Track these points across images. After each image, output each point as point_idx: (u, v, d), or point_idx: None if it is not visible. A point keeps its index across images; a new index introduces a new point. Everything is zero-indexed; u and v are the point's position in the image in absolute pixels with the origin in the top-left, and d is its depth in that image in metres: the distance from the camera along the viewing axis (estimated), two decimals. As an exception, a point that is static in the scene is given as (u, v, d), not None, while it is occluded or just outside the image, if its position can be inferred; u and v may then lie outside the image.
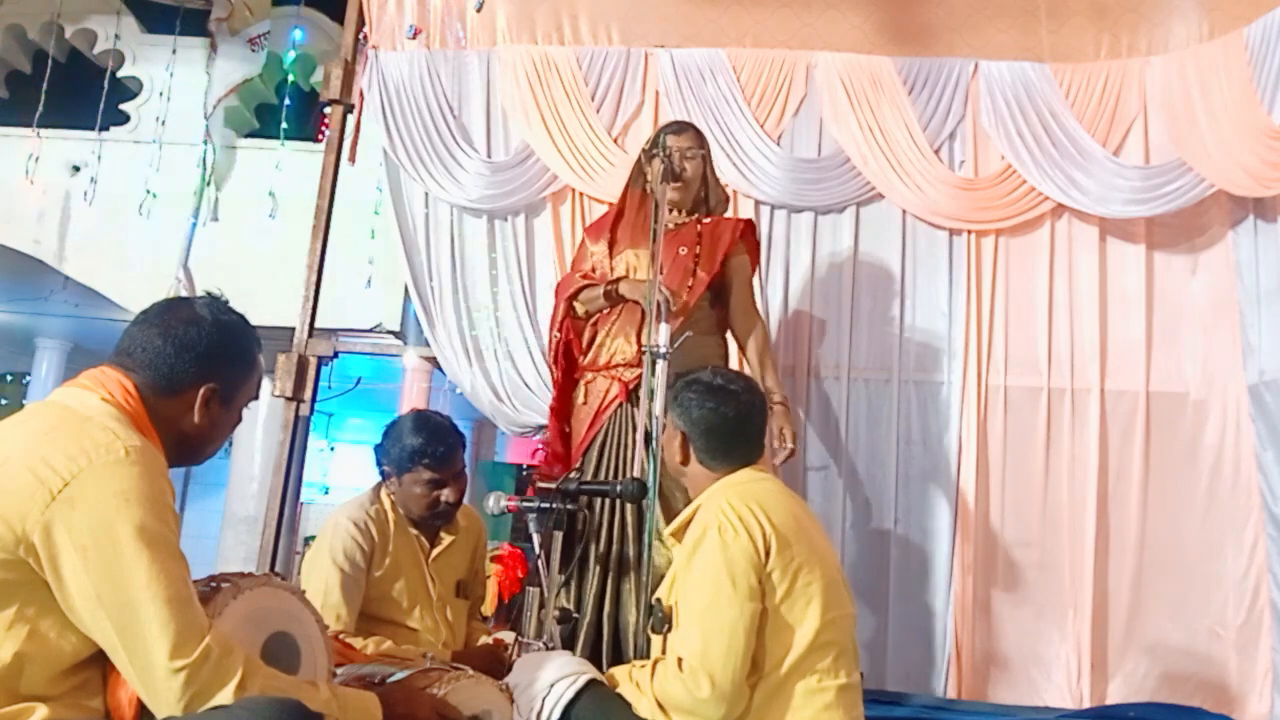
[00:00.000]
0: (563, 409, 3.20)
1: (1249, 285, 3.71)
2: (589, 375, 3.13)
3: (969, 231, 3.95)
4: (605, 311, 3.13)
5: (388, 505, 2.68)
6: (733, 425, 2.21)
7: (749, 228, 3.29)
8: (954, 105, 4.02)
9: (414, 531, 2.70)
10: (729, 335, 3.25)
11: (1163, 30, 3.90)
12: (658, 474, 2.41)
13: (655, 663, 2.02)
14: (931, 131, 3.99)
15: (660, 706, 1.95)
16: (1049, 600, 3.70)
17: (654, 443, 2.37)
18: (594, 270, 3.22)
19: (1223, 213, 3.80)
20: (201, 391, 1.61)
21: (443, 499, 2.65)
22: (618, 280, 3.09)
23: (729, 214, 3.34)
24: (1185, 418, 3.78)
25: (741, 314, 3.21)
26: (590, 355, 3.14)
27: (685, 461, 2.24)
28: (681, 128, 3.25)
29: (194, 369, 1.60)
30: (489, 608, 4.49)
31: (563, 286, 3.28)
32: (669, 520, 2.64)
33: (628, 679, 2.06)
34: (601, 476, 2.98)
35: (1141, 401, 3.78)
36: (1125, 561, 3.69)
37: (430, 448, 2.60)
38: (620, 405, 3.02)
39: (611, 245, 3.22)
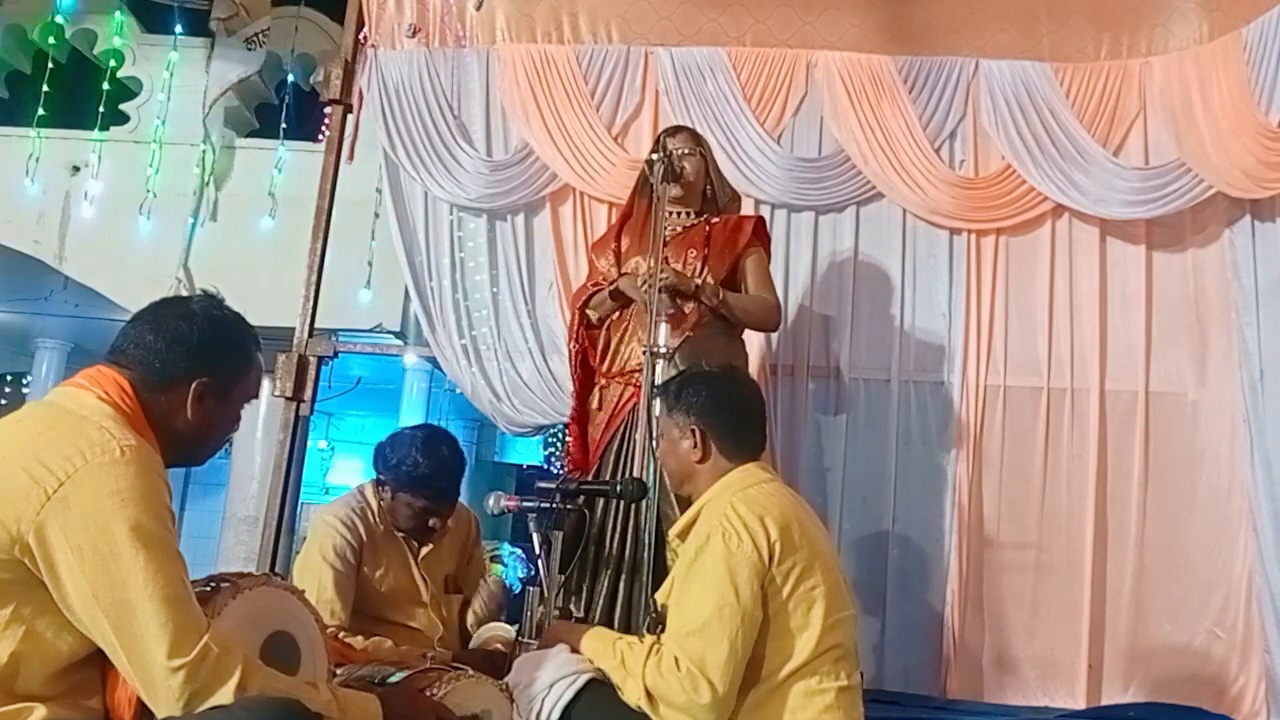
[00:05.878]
0: (581, 417, 3.21)
1: (1246, 286, 3.71)
2: (603, 382, 3.15)
3: (969, 231, 3.95)
4: (616, 317, 3.15)
5: (375, 506, 2.67)
6: (743, 410, 2.22)
7: (759, 224, 3.30)
8: (954, 104, 4.01)
9: (400, 534, 2.70)
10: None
11: (1162, 31, 3.90)
12: (658, 474, 2.40)
13: (650, 649, 1.99)
14: (932, 131, 3.98)
15: (649, 694, 1.94)
16: (1048, 600, 3.70)
17: (653, 444, 2.36)
18: (604, 279, 3.23)
19: (1220, 213, 3.79)
20: (194, 386, 1.59)
21: (430, 524, 2.65)
22: (618, 278, 3.10)
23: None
24: (1184, 418, 3.77)
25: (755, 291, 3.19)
26: (606, 363, 3.16)
27: (704, 458, 2.19)
28: (677, 129, 3.33)
29: (185, 363, 1.60)
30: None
31: (576, 297, 3.31)
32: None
33: (611, 650, 2.02)
34: (617, 479, 2.96)
35: (1140, 401, 3.78)
36: (1124, 561, 3.68)
37: (434, 480, 2.59)
38: (634, 409, 3.01)
39: (618, 254, 3.23)
